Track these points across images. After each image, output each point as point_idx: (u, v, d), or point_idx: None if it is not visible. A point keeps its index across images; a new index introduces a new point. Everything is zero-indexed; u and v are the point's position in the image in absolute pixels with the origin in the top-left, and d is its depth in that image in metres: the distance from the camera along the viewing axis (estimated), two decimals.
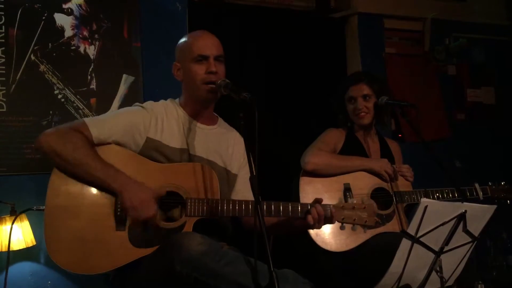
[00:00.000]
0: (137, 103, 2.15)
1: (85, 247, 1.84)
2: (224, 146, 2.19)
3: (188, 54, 2.06)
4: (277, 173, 2.98)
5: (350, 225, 2.02)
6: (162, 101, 2.17)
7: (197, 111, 2.14)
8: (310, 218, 1.93)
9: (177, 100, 2.18)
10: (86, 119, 1.98)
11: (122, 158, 1.96)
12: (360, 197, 2.35)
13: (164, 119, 2.08)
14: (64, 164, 1.88)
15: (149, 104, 2.12)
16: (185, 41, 2.13)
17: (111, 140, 1.97)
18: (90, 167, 1.85)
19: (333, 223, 1.98)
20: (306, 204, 1.98)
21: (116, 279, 1.97)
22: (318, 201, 1.97)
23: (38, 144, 1.91)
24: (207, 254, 1.66)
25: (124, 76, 2.97)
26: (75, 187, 1.88)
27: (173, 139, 2.06)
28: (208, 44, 2.07)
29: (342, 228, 2.04)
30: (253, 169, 1.76)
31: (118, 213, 1.87)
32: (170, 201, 1.95)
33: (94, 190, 1.89)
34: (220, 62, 2.07)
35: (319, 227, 1.98)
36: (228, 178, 2.17)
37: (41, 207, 1.91)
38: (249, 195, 2.09)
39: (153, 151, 2.01)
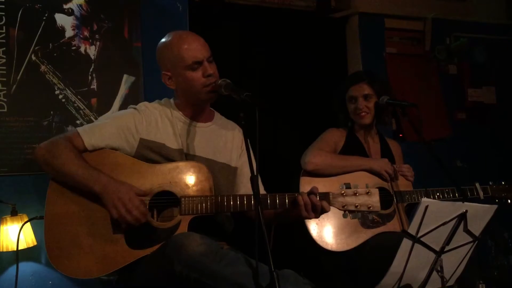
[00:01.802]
0: (131, 105, 2.15)
1: (83, 252, 1.86)
2: (222, 141, 2.19)
3: (180, 63, 2.02)
4: (277, 173, 2.97)
5: (350, 216, 1.96)
6: (156, 102, 2.17)
7: (195, 112, 2.14)
8: (301, 208, 1.91)
9: (171, 100, 2.17)
10: (78, 128, 2.01)
11: (115, 161, 1.97)
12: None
13: (158, 120, 2.08)
14: (53, 173, 1.92)
15: (142, 105, 2.12)
16: (170, 48, 2.05)
17: (104, 145, 1.98)
18: (71, 172, 1.87)
19: (327, 211, 1.93)
20: (293, 194, 1.95)
21: (119, 282, 1.98)
22: (313, 191, 1.95)
23: (33, 156, 1.99)
24: (207, 255, 1.66)
25: (125, 76, 2.98)
26: (71, 194, 1.91)
27: (168, 139, 2.06)
28: (198, 47, 2.03)
29: (344, 216, 1.99)
30: (254, 168, 1.76)
31: None
32: (164, 200, 1.95)
33: (90, 195, 1.90)
34: (212, 62, 2.07)
35: (315, 217, 1.94)
36: (229, 173, 2.17)
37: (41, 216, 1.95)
38: (249, 187, 2.09)
39: (148, 151, 2.02)
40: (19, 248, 2.50)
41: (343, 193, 1.94)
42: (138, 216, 1.83)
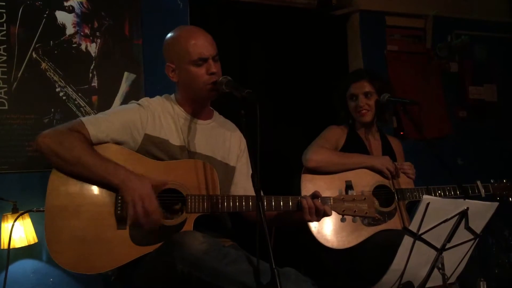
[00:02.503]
0: (133, 101, 2.14)
1: (86, 247, 1.83)
2: (221, 139, 2.19)
3: (186, 57, 2.03)
4: (278, 170, 2.98)
5: (351, 218, 2.04)
6: (157, 97, 2.16)
7: (195, 109, 2.14)
8: (304, 211, 1.94)
9: (172, 96, 2.18)
10: (83, 118, 1.97)
11: (120, 157, 1.95)
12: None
13: (161, 116, 2.08)
14: (63, 164, 1.87)
15: (145, 101, 2.11)
16: (177, 41, 2.07)
17: (109, 139, 1.97)
18: (89, 164, 1.84)
19: (329, 215, 1.98)
20: (297, 197, 1.99)
21: (118, 279, 1.97)
22: (315, 195, 1.97)
23: (36, 145, 1.91)
24: (209, 253, 1.66)
25: (126, 73, 2.97)
26: (74, 187, 1.88)
27: (171, 135, 2.06)
28: (205, 44, 2.04)
29: (342, 220, 2.06)
30: (254, 165, 1.76)
31: (119, 212, 1.87)
32: (170, 198, 1.94)
33: (93, 189, 1.89)
34: (217, 61, 2.07)
35: (316, 220, 1.98)
36: (227, 172, 2.17)
37: (41, 209, 1.91)
38: (248, 186, 2.11)
39: (152, 147, 2.01)
40: (21, 246, 2.50)
41: (343, 198, 2.02)
42: (154, 221, 1.82)
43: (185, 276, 1.66)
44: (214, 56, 2.05)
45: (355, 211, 2.00)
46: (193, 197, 1.93)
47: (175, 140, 2.06)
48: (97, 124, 1.95)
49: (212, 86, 2.03)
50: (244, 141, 2.24)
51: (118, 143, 1.99)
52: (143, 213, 1.80)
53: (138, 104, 2.09)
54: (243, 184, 2.19)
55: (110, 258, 1.84)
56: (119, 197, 1.88)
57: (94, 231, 1.85)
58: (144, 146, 2.01)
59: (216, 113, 2.27)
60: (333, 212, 2.00)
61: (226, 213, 2.14)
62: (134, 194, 1.80)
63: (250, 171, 1.86)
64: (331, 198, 2.00)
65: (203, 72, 2.02)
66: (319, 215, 1.96)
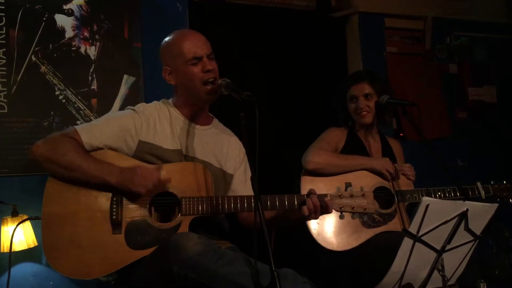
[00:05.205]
0: (128, 106, 2.14)
1: (83, 252, 1.85)
2: (219, 146, 2.19)
3: (180, 58, 2.04)
4: (278, 173, 2.98)
5: (350, 216, 2.01)
6: (154, 102, 2.17)
7: (194, 113, 2.14)
8: (305, 209, 1.92)
9: (170, 100, 2.18)
10: (76, 127, 1.99)
11: (115, 162, 1.95)
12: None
13: (157, 121, 2.07)
14: (58, 170, 1.89)
15: (140, 106, 2.12)
16: (172, 44, 2.09)
17: (103, 145, 1.98)
18: (83, 167, 1.86)
19: (329, 212, 1.97)
20: (302, 196, 1.98)
21: (117, 283, 1.97)
22: (312, 192, 1.96)
23: (31, 155, 1.94)
24: (204, 255, 1.66)
25: (125, 76, 2.98)
26: (70, 193, 1.89)
27: (166, 140, 2.06)
28: (199, 44, 2.06)
29: (341, 217, 2.03)
30: (253, 168, 1.76)
31: (114, 217, 1.88)
32: (165, 201, 1.95)
33: (89, 195, 1.90)
34: (212, 59, 2.08)
35: (316, 218, 1.97)
36: (224, 179, 2.17)
37: (39, 216, 1.94)
38: (245, 193, 2.11)
39: (146, 154, 2.01)
40: (21, 249, 2.50)
41: (340, 195, 1.98)
42: (162, 184, 1.91)
43: (181, 278, 1.66)
44: (208, 55, 2.06)
45: (353, 207, 1.96)
46: (187, 199, 1.93)
47: (170, 145, 2.06)
48: (91, 132, 1.97)
49: (210, 88, 2.03)
50: (243, 149, 2.24)
51: (112, 149, 2.00)
52: (150, 186, 1.86)
53: (133, 109, 2.09)
54: (240, 191, 2.18)
55: (107, 263, 1.85)
56: (114, 202, 1.89)
57: (90, 237, 1.86)
58: (139, 152, 2.01)
59: (215, 120, 2.27)
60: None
61: (223, 215, 2.13)
62: (134, 179, 1.85)
63: (249, 175, 1.86)
64: (328, 195, 1.97)
65: (199, 70, 2.03)
66: (317, 212, 1.94)
